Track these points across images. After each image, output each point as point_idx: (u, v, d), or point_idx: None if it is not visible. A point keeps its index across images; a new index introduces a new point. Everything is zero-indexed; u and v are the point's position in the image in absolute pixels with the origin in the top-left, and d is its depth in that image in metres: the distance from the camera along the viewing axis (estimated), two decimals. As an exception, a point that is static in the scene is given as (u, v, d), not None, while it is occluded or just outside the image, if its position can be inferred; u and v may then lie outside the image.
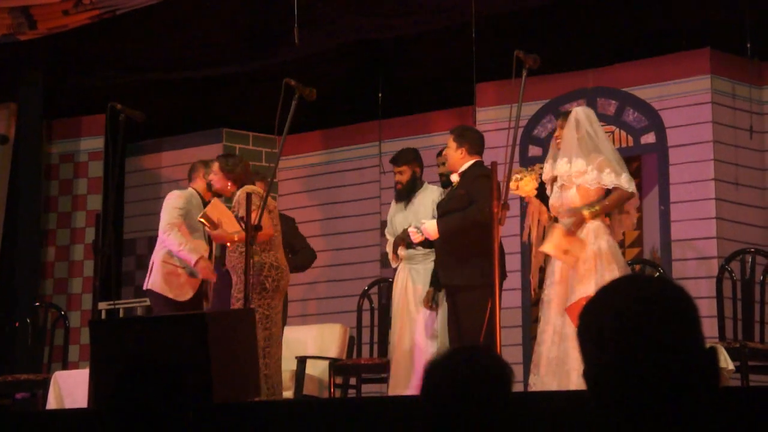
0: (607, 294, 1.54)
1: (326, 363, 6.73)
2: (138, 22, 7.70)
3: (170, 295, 6.14)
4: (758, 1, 6.97)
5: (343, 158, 8.63)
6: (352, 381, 6.80)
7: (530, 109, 7.42)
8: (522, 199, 5.51)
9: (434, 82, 8.26)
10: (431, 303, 6.02)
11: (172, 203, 6.23)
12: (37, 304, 7.56)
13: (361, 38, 7.92)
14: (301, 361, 6.74)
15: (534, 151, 7.60)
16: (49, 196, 8.68)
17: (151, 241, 8.90)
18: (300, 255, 6.75)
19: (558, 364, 5.07)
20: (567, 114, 5.40)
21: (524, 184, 5.20)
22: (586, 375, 1.53)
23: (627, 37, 7.45)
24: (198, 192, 6.35)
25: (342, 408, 4.64)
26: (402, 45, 8.17)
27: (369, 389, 6.92)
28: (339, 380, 6.71)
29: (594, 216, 5.16)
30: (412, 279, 6.13)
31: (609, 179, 5.18)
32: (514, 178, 5.21)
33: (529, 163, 7.54)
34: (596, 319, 1.52)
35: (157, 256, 6.24)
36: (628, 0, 7.37)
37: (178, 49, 8.07)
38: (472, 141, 5.80)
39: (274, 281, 5.65)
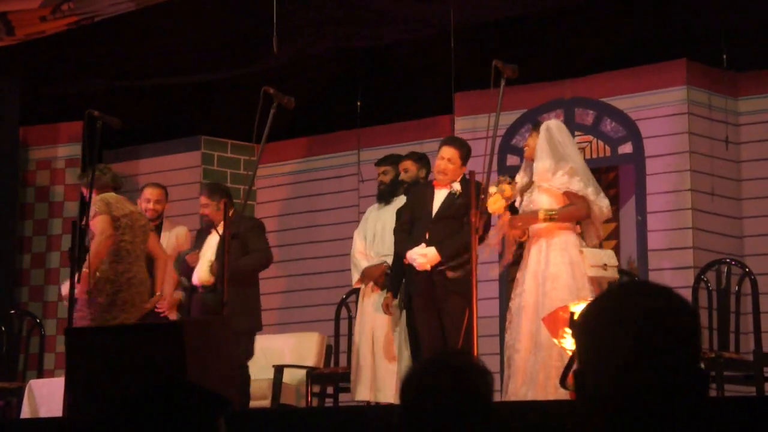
0: (613, 300, 1.53)
1: (304, 372, 6.73)
2: (116, 29, 7.68)
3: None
4: (734, 13, 7.03)
5: (321, 167, 8.62)
6: (330, 390, 6.79)
7: (508, 118, 7.45)
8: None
9: (413, 91, 8.27)
10: (390, 309, 6.07)
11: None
12: (12, 311, 7.51)
13: (340, 47, 7.92)
14: (278, 369, 6.73)
15: (512, 160, 7.62)
16: (26, 203, 8.63)
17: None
18: (249, 257, 6.66)
19: (533, 373, 5.10)
20: (539, 124, 5.51)
21: (492, 202, 5.27)
22: (578, 375, 1.53)
23: (604, 47, 7.49)
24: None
25: (319, 417, 4.64)
26: (381, 54, 8.18)
27: (346, 398, 6.91)
28: (316, 389, 6.70)
29: (546, 219, 5.24)
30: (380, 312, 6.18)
31: (578, 186, 5.27)
32: (490, 191, 5.27)
33: (507, 171, 7.58)
34: (598, 324, 1.52)
35: None
36: (605, 11, 7.41)
37: (156, 57, 8.05)
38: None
39: (109, 296, 5.72)
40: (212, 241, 6.13)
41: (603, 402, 1.48)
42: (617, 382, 1.47)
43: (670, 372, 1.46)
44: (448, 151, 5.78)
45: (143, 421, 2.49)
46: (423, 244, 5.71)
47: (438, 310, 5.68)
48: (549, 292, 5.17)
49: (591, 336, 1.52)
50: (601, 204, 5.39)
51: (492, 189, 5.31)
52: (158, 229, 6.82)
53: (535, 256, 5.34)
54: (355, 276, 6.39)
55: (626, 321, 1.49)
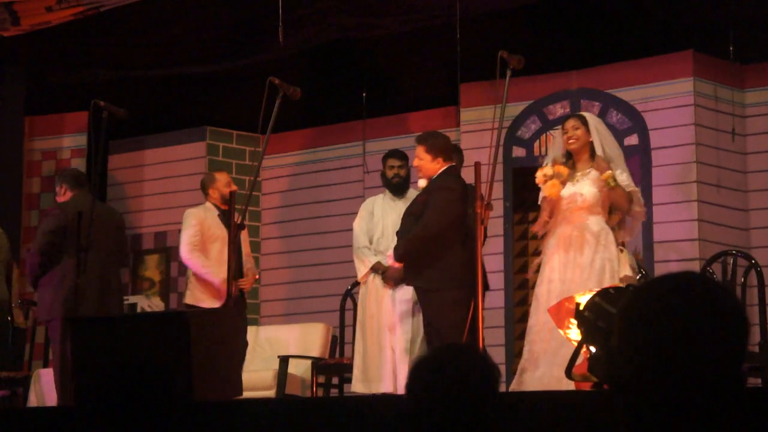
0: (664, 291, 1.49)
1: (309, 362, 6.73)
2: (122, 20, 7.68)
3: (205, 305, 6.25)
4: (741, 4, 7.01)
5: (327, 157, 8.62)
6: (335, 380, 6.79)
7: (514, 109, 7.43)
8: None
9: (418, 82, 8.26)
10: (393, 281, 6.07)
11: (186, 223, 6.46)
12: (19, 301, 7.52)
13: (346, 37, 7.92)
14: (284, 360, 6.74)
15: (518, 152, 7.61)
16: (31, 192, 8.64)
17: (134, 239, 8.89)
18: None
19: (553, 354, 5.11)
20: (583, 117, 5.48)
21: (550, 186, 5.26)
22: (613, 364, 1.51)
23: (611, 38, 7.48)
24: (214, 204, 6.51)
25: (324, 407, 4.64)
26: (386, 44, 8.17)
27: (351, 388, 6.91)
28: (321, 379, 6.71)
29: (608, 180, 5.24)
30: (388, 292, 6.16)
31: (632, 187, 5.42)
32: (544, 172, 5.27)
33: (513, 164, 7.56)
34: (644, 315, 1.48)
35: (190, 272, 6.47)
36: (611, 2, 7.40)
37: (162, 47, 8.05)
38: (443, 147, 5.75)
39: None
40: None
41: (639, 393, 1.46)
42: (655, 374, 1.45)
43: (710, 370, 1.44)
44: (416, 150, 5.76)
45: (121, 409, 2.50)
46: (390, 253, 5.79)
47: (425, 313, 5.66)
48: (580, 281, 5.15)
49: (635, 326, 1.48)
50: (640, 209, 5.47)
51: (547, 171, 5.29)
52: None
53: (572, 244, 5.31)
54: (362, 270, 6.29)
55: (673, 314, 1.45)
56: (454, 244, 5.45)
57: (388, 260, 5.90)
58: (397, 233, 5.77)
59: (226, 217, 6.24)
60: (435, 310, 5.47)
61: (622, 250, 5.33)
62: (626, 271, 5.24)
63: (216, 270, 6.24)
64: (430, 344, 5.59)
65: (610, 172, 5.31)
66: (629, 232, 5.51)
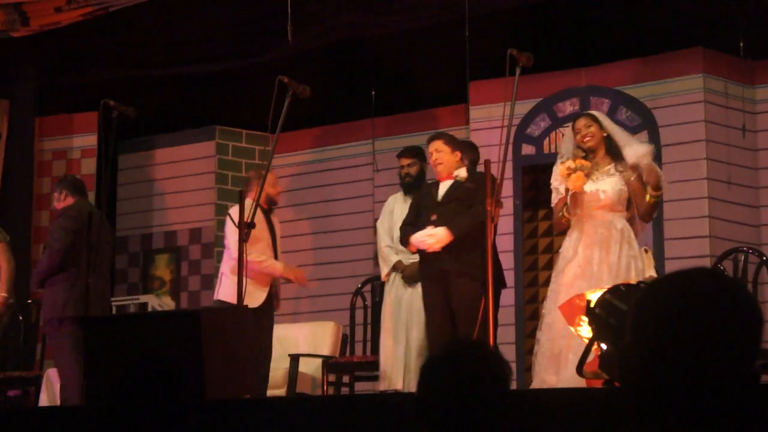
0: (673, 289, 1.48)
1: (319, 361, 6.74)
2: (130, 19, 7.70)
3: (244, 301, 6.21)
4: (751, 1, 6.99)
5: (336, 156, 8.63)
6: (345, 379, 6.81)
7: (523, 107, 7.43)
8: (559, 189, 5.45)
9: (428, 80, 8.27)
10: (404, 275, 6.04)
11: (235, 220, 6.30)
12: (29, 301, 7.55)
13: (355, 35, 7.93)
14: (294, 358, 6.75)
15: (527, 149, 7.61)
16: (41, 193, 8.67)
17: (144, 239, 8.92)
18: None
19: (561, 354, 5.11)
20: (593, 116, 5.49)
21: (575, 178, 5.22)
22: (624, 360, 1.50)
23: (620, 35, 7.47)
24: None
25: (335, 405, 4.65)
26: (396, 42, 8.18)
27: (362, 387, 6.93)
28: (332, 378, 6.72)
29: (654, 198, 5.28)
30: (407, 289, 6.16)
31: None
32: (567, 165, 5.24)
33: (523, 161, 7.56)
34: (658, 311, 1.48)
35: (225, 267, 6.27)
36: (621, -1, 7.40)
37: (170, 46, 8.07)
38: (460, 141, 5.86)
39: None
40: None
41: (652, 390, 1.46)
42: (668, 371, 1.44)
43: (723, 367, 1.43)
44: (433, 145, 5.81)
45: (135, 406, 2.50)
46: (430, 227, 5.66)
47: (448, 296, 5.60)
48: (608, 279, 5.13)
49: (647, 323, 1.48)
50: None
51: (570, 164, 5.27)
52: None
53: (598, 237, 5.30)
54: (384, 269, 6.32)
55: (685, 311, 1.45)
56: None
57: (425, 241, 5.69)
58: (435, 216, 5.68)
59: (268, 215, 6.26)
60: (463, 295, 5.46)
61: (647, 251, 5.30)
62: (651, 272, 5.21)
63: (272, 260, 6.19)
64: (438, 327, 5.55)
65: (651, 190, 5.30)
66: (639, 229, 5.49)
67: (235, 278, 6.14)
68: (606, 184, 5.33)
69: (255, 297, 6.13)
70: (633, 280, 5.06)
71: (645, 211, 5.41)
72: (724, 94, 7.17)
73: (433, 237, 5.57)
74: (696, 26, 7.25)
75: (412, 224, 5.84)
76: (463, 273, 5.52)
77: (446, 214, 5.64)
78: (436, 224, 5.65)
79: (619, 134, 5.48)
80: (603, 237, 5.27)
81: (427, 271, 5.75)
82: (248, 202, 6.36)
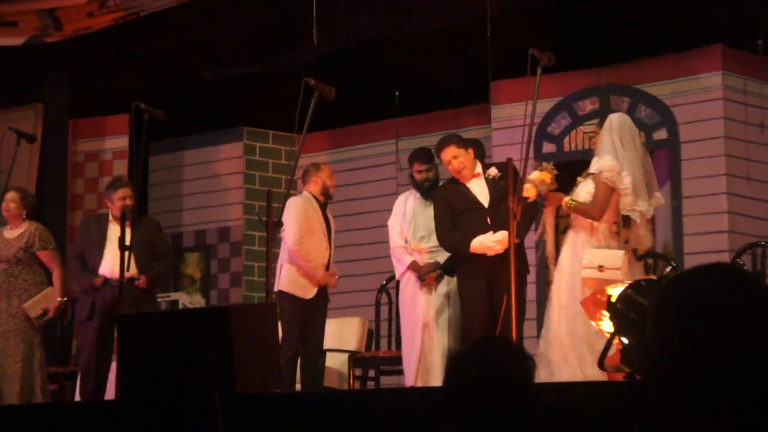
0: (694, 284, 1.48)
1: (346, 356, 6.86)
2: (161, 24, 7.82)
3: (298, 294, 6.30)
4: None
5: (360, 156, 8.74)
6: (371, 373, 6.93)
7: (545, 106, 7.52)
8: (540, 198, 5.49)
9: (450, 80, 8.35)
10: (433, 281, 6.08)
11: (294, 211, 6.30)
12: (65, 299, 7.72)
13: (378, 37, 8.02)
14: (321, 353, 6.87)
15: (548, 147, 7.70)
16: (75, 194, 8.83)
17: (175, 238, 9.08)
18: (161, 261, 6.69)
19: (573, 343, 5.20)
20: (605, 118, 5.50)
21: (525, 189, 5.22)
22: (649, 355, 1.50)
23: (640, 34, 7.53)
24: (313, 195, 6.47)
25: (361, 399, 4.75)
26: (418, 43, 8.27)
27: (387, 381, 7.06)
28: (358, 372, 6.84)
29: (568, 208, 5.27)
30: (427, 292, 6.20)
31: (626, 181, 5.21)
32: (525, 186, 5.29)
33: (543, 158, 7.65)
34: (676, 305, 1.47)
35: (283, 257, 6.38)
36: (640, -2, 7.46)
37: (199, 50, 8.19)
38: (464, 140, 5.90)
39: None
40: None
41: (673, 384, 1.46)
42: (689, 365, 1.44)
43: (745, 361, 1.42)
44: (449, 152, 5.76)
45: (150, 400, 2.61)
46: (491, 232, 5.66)
47: (499, 295, 5.61)
48: (565, 285, 5.27)
49: (669, 317, 1.47)
50: (641, 208, 5.31)
51: (534, 175, 5.33)
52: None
53: (565, 248, 5.40)
54: (399, 269, 6.28)
55: (707, 305, 1.44)
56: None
57: (493, 248, 5.66)
58: (490, 220, 5.71)
59: (324, 208, 6.39)
60: (522, 290, 5.69)
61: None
62: (583, 273, 5.16)
63: (318, 266, 6.28)
64: (482, 328, 5.62)
65: (566, 198, 5.29)
66: (637, 235, 5.39)
67: (293, 268, 6.31)
68: (582, 188, 5.37)
69: (308, 290, 6.27)
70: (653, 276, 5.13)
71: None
72: (743, 91, 7.23)
73: (502, 243, 5.56)
74: (715, 24, 7.30)
75: (453, 228, 5.84)
76: (522, 272, 5.67)
77: (500, 218, 5.56)
78: (494, 229, 5.67)
79: (604, 144, 5.32)
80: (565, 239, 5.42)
81: (474, 272, 5.74)
82: (308, 195, 6.45)
